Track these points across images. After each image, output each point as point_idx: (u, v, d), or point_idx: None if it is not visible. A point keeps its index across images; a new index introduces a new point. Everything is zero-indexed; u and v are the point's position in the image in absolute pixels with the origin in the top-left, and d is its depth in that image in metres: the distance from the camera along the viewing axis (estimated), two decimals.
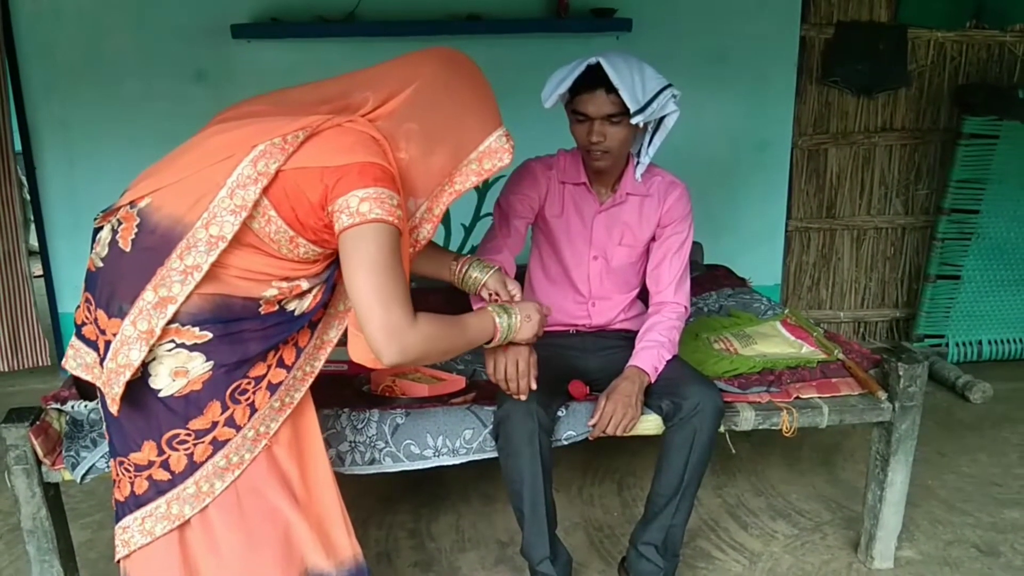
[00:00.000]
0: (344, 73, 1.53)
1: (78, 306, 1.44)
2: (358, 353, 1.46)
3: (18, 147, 3.25)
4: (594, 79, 1.81)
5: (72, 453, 1.74)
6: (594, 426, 1.84)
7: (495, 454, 1.84)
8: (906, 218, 3.73)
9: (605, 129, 1.85)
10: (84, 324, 1.42)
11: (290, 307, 1.45)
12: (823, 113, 3.57)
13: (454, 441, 1.84)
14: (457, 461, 1.85)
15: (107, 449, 1.68)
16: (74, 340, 1.45)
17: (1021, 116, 3.24)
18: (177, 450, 1.39)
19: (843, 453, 2.77)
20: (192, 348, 1.36)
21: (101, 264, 1.38)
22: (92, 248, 1.43)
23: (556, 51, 2.21)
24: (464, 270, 1.79)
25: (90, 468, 1.72)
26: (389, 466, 1.83)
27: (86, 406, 1.78)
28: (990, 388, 3.16)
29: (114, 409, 1.37)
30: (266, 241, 1.37)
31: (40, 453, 1.71)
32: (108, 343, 1.35)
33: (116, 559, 1.45)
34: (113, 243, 1.37)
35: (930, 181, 3.67)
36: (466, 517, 2.40)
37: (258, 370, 1.43)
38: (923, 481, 2.52)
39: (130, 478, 1.41)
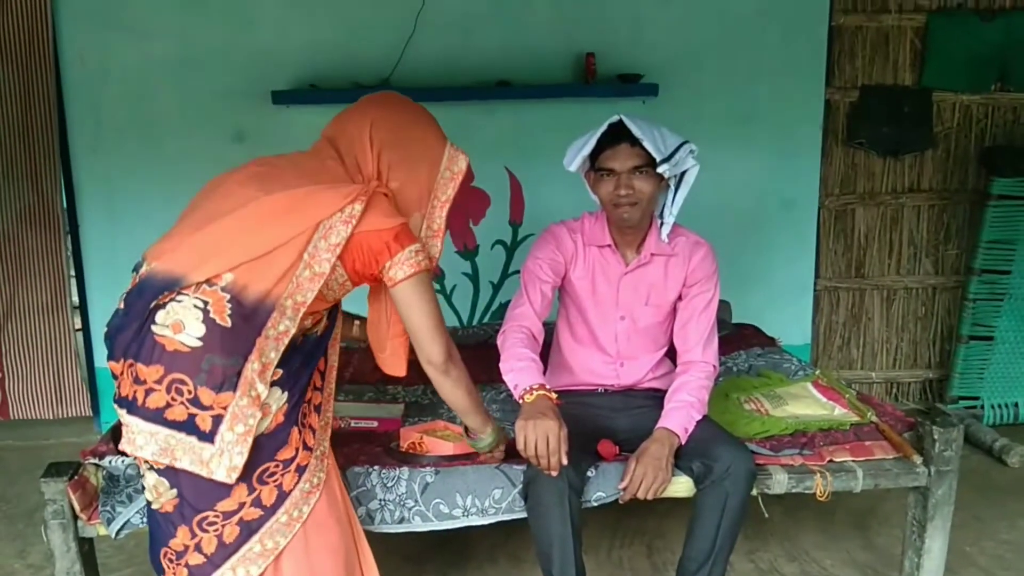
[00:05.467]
0: None
1: (149, 391, 1.41)
2: (388, 367, 1.77)
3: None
4: (617, 135, 1.89)
5: (108, 508, 1.76)
6: (624, 489, 1.83)
7: (524, 514, 1.83)
8: (936, 278, 3.71)
9: (632, 182, 1.91)
10: (169, 406, 1.41)
11: (311, 332, 1.60)
12: (849, 174, 3.59)
13: (483, 500, 1.84)
14: (486, 521, 1.85)
15: (142, 504, 1.72)
16: (141, 424, 1.43)
17: None
18: (267, 483, 1.48)
19: (878, 518, 2.71)
20: (272, 384, 1.48)
21: (198, 343, 1.41)
22: (164, 331, 1.42)
23: (583, 116, 2.27)
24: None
25: (125, 523, 1.74)
26: (418, 525, 1.83)
27: (123, 461, 1.81)
28: None
29: (233, 477, 1.42)
30: (322, 289, 1.53)
31: (77, 508, 1.73)
32: (218, 417, 1.41)
33: None
34: (208, 320, 1.42)
35: (959, 241, 3.66)
36: None
37: (308, 394, 1.57)
38: (960, 547, 2.46)
39: (216, 530, 1.46)
